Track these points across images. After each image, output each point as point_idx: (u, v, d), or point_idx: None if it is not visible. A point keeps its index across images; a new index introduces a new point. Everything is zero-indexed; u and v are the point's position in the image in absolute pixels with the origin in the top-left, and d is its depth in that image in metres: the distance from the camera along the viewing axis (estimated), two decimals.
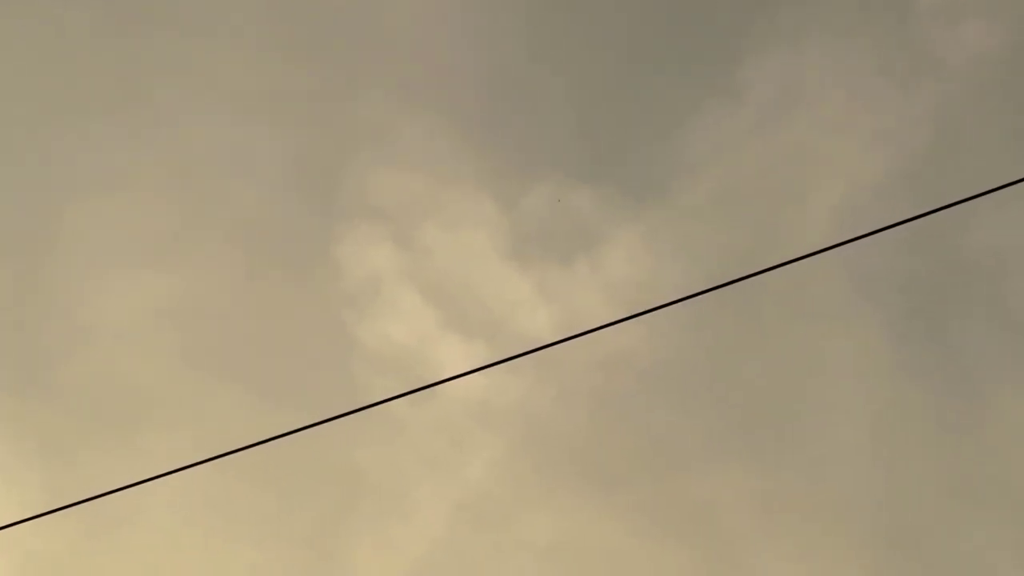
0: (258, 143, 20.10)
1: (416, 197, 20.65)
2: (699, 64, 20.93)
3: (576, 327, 6.38)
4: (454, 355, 19.52)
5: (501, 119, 21.30)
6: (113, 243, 19.65)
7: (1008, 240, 19.73)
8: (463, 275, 20.45)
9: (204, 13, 20.30)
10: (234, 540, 19.40)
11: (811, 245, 5.74)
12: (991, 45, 20.37)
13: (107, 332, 19.27)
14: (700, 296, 5.67)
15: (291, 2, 20.84)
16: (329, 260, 20.51)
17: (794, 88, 19.82)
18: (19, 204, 19.72)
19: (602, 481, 21.92)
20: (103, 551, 20.21)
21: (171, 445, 18.52)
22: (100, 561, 20.77)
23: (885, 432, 20.30)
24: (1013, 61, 20.89)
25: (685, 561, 21.07)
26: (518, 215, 21.16)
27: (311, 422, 5.70)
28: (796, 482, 20.17)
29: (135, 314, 19.65)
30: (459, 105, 20.79)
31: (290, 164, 20.18)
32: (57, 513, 5.79)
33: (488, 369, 6.54)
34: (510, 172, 20.87)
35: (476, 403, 20.51)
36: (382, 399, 6.42)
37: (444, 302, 19.60)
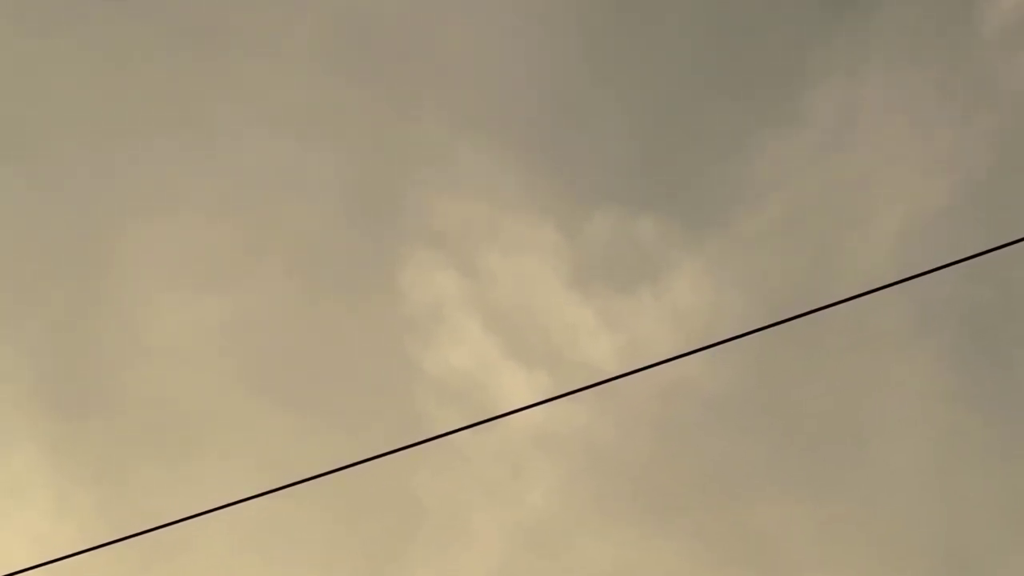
0: (319, 167, 20.07)
1: (478, 223, 20.52)
2: (760, 91, 20.79)
3: (638, 356, 6.40)
4: (516, 384, 19.44)
5: (564, 145, 21.20)
6: (173, 265, 19.58)
7: None
8: (525, 303, 20.36)
9: (265, 37, 20.28)
10: (292, 571, 19.41)
11: (873, 274, 5.72)
12: None
13: (166, 355, 19.24)
14: (762, 332, 5.69)
15: (353, 26, 20.80)
16: (390, 285, 20.42)
17: (854, 115, 19.67)
18: (80, 225, 19.70)
19: (661, 510, 21.81)
20: None
21: (229, 473, 18.51)
22: None
23: (945, 462, 20.20)
24: None
25: None
26: (581, 242, 21.03)
27: (371, 452, 5.69)
28: (855, 511, 20.06)
29: (194, 337, 19.62)
30: (521, 131, 20.68)
31: (351, 188, 20.13)
32: (113, 545, 5.83)
33: (551, 402, 6.61)
34: (573, 199, 20.74)
35: (537, 433, 20.42)
36: (444, 432, 6.44)
37: (506, 330, 19.47)
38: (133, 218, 20.03)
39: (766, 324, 5.65)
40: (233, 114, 21.21)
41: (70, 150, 19.67)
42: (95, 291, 19.57)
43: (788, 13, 21.40)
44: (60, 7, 21.24)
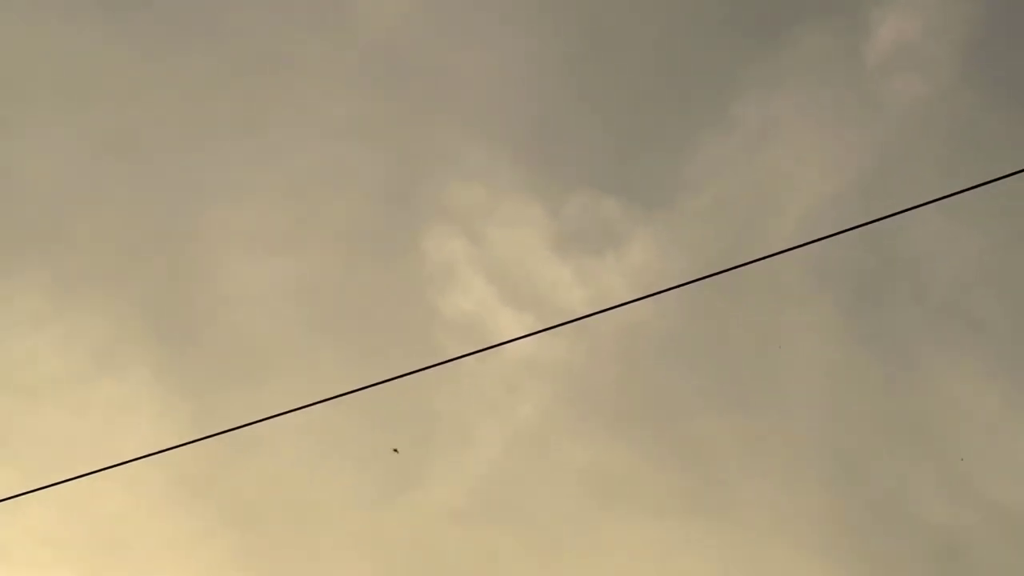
0: (359, 161, 20.49)
1: (480, 202, 20.86)
2: (698, 102, 21.17)
3: (604, 302, 6.42)
4: (510, 323, 19.93)
5: (547, 144, 21.55)
6: (249, 235, 19.98)
7: (934, 245, 19.92)
8: (517, 262, 20.70)
9: (318, 64, 20.56)
10: (339, 462, 19.66)
11: (784, 241, 5.74)
12: (922, 91, 20.56)
13: (244, 301, 19.54)
14: (699, 281, 5.70)
15: (384, 55, 21.09)
16: (413, 249, 20.86)
17: (771, 121, 20.01)
18: (181, 205, 20.11)
19: (622, 421, 22.28)
20: (239, 472, 20.39)
21: (291, 389, 18.95)
22: (237, 480, 20.99)
23: (837, 388, 20.58)
24: (939, 104, 21.12)
25: (687, 482, 21.49)
26: (560, 217, 21.42)
27: (399, 372, 5.85)
28: (769, 424, 20.45)
29: (265, 288, 20.04)
30: (513, 133, 21.06)
31: (383, 177, 20.49)
32: (203, 441, 5.91)
33: (536, 335, 6.68)
34: (553, 184, 21.15)
35: (526, 360, 20.84)
36: (454, 357, 6.50)
37: (502, 282, 19.93)
38: (219, 200, 20.38)
39: (701, 277, 5.67)
40: (293, 121, 21.55)
41: (174, 150, 20.12)
42: (193, 254, 19.87)
43: (721, 42, 21.70)
44: (164, 43, 21.66)
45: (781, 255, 5.65)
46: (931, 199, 5.48)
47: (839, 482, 20.68)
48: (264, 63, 21.68)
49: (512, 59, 22.17)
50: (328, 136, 22.70)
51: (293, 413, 5.92)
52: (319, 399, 5.88)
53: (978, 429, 19.85)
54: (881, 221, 5.53)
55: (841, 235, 5.60)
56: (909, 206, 5.48)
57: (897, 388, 20.62)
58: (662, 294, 5.79)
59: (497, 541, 21.34)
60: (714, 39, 22.21)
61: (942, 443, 19.95)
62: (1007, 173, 5.38)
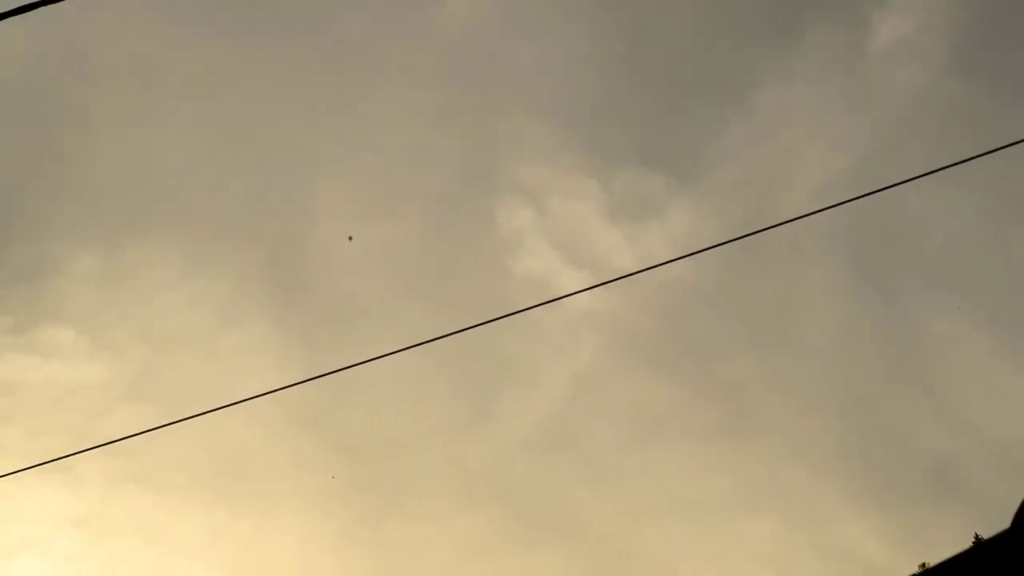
0: (439, 142, 21.01)
1: (544, 179, 21.28)
2: (726, 92, 21.98)
3: (648, 262, 6.63)
4: (570, 280, 20.55)
5: (598, 127, 22.05)
6: (345, 208, 20.58)
7: (927, 211, 20.57)
8: (576, 229, 21.07)
9: (405, 61, 21.16)
10: (426, 399, 20.21)
11: (798, 212, 5.97)
12: (915, 81, 21.15)
13: (343, 264, 20.07)
14: (727, 244, 5.84)
15: (463, 52, 21.64)
16: (489, 219, 21.38)
17: (787, 108, 20.64)
18: (289, 184, 20.93)
19: (664, 362, 22.73)
20: (343, 408, 20.90)
21: (386, 337, 19.64)
22: (341, 414, 21.64)
23: (845, 333, 21.19)
24: (930, 92, 21.66)
25: (718, 413, 22.23)
26: (611, 190, 21.83)
27: (477, 323, 6.03)
28: (788, 364, 21.04)
29: (361, 253, 20.63)
30: (571, 118, 21.55)
31: (460, 156, 20.95)
32: (312, 381, 6.12)
33: (592, 290, 6.87)
34: (605, 162, 21.68)
35: (584, 312, 21.45)
36: (524, 308, 6.72)
37: (563, 246, 20.45)
38: (324, 177, 20.85)
39: (728, 240, 5.84)
40: (385, 109, 21.93)
41: (286, 135, 20.74)
42: (302, 223, 20.42)
43: (743, 40, 22.32)
44: (276, 43, 22.51)
45: (797, 221, 5.75)
46: (924, 172, 5.63)
47: (847, 413, 21.17)
48: (361, 60, 21.98)
49: (568, 56, 22.45)
50: (415, 122, 23.00)
51: (387, 357, 6.03)
52: (409, 345, 5.95)
53: (966, 369, 20.31)
54: (882, 191, 5.64)
55: (848, 203, 5.69)
56: (905, 178, 5.61)
57: (896, 334, 21.12)
58: (697, 254, 5.93)
59: (559, 466, 21.71)
60: (738, 38, 22.56)
61: (935, 381, 20.34)
62: (990, 150, 5.54)
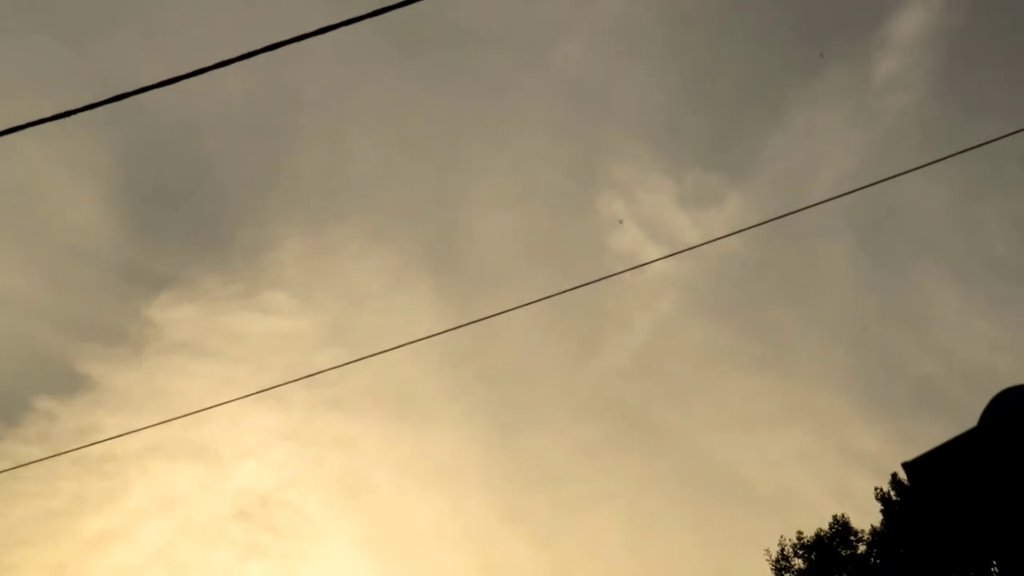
0: (555, 150, 27.87)
1: (635, 178, 26.72)
2: (766, 113, 29.02)
3: (709, 237, 8.63)
4: (652, 252, 25.35)
5: (672, 138, 28.99)
6: (487, 200, 28.02)
7: (916, 199, 26.76)
8: (657, 215, 24.88)
9: (527, 85, 28.71)
10: (547, 341, 24.39)
11: (821, 198, 7.69)
12: (905, 104, 26.84)
13: (486, 243, 27.40)
14: (768, 223, 7.33)
15: (571, 81, 28.92)
16: (591, 208, 26.41)
17: (811, 125, 27.18)
18: (446, 183, 29.40)
19: (723, 313, 27.97)
20: (486, 349, 28.38)
21: (517, 295, 24.09)
22: (485, 354, 26.79)
23: (856, 291, 27.55)
24: (917, 112, 27.39)
25: (763, 350, 27.12)
26: (682, 185, 27.63)
27: (583, 283, 7.27)
28: (810, 315, 27.87)
29: (498, 233, 26.03)
30: (653, 131, 28.31)
31: (569, 160, 27.79)
32: (463, 328, 7.35)
33: (667, 258, 8.61)
34: (677, 164, 28.41)
35: (662, 276, 25.46)
36: (617, 272, 8.48)
37: (647, 228, 25.22)
38: (472, 178, 28.22)
39: (768, 219, 7.27)
40: (517, 128, 29.35)
41: (445, 148, 28.23)
42: (455, 212, 27.94)
43: (776, 77, 28.91)
44: (434, 81, 28.04)
45: (818, 205, 7.30)
46: (911, 168, 7.02)
47: (856, 348, 27.45)
48: (499, 90, 28.42)
49: (649, 85, 28.27)
50: (538, 135, 27.82)
51: (518, 309, 7.35)
52: (534, 300, 7.34)
53: (942, 314, 26.19)
54: (880, 183, 7.13)
55: (855, 192, 7.21)
56: (897, 173, 7.10)
57: (891, 288, 27.02)
58: (745, 231, 7.45)
59: (646, 390, 25.74)
60: (775, 74, 28.96)
61: (920, 323, 26.46)
62: (959, 151, 6.90)
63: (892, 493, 14.91)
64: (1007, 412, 8.93)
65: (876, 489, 15.33)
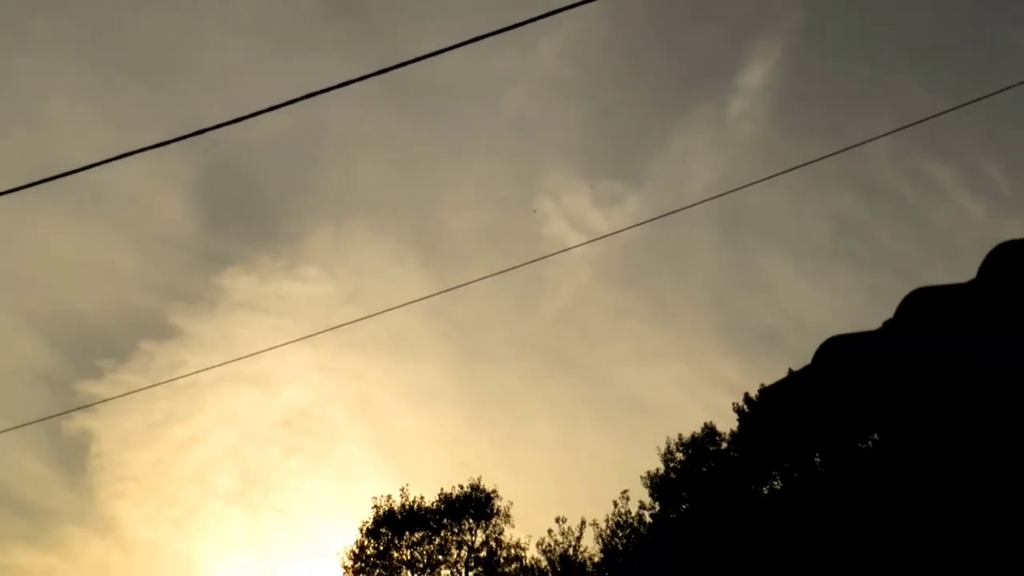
0: (504, 169, 34.90)
1: (561, 185, 34.65)
2: (655, 140, 35.05)
3: (616, 228, 12.12)
4: (574, 239, 33.58)
5: (587, 159, 35.93)
6: (458, 204, 34.89)
7: (754, 203, 32.69)
8: (577, 212, 33.71)
9: (478, 124, 37.75)
10: (499, 300, 34.26)
11: (695, 200, 10.82)
12: (755, 132, 33.74)
13: (456, 232, 34.41)
14: (655, 219, 9.07)
15: (513, 117, 38.24)
16: (531, 205, 35.63)
17: (684, 147, 34.30)
18: (428, 188, 38.08)
19: (623, 284, 33.89)
20: (457, 308, 37.41)
21: (480, 271, 28.73)
22: (457, 311, 36.64)
23: (716, 268, 35.79)
24: (762, 139, 35.44)
25: (653, 307, 32.25)
26: (595, 192, 34.60)
27: (526, 261, 9.56)
28: (685, 284, 35.95)
29: (466, 224, 35.08)
30: (575, 152, 35.22)
31: (512, 178, 35.39)
32: (442, 294, 9.56)
33: (585, 244, 11.82)
34: (591, 177, 34.62)
35: (581, 256, 33.99)
36: (550, 254, 11.51)
37: (570, 221, 32.88)
38: (444, 188, 35.03)
39: (657, 216, 8.66)
40: (475, 152, 36.74)
41: (431, 164, 35.12)
42: (432, 208, 35.14)
43: (662, 111, 38.90)
44: (420, 116, 35.44)
45: (692, 206, 8.73)
46: (759, 179, 8.04)
47: (721, 305, 38.94)
48: (462, 126, 37.79)
49: (571, 116, 36.20)
50: (491, 156, 36.96)
51: (480, 281, 8.75)
52: (491, 273, 8.92)
53: (784, 283, 35.49)
54: (736, 191, 8.29)
55: (717, 198, 8.51)
56: (748, 183, 8.30)
57: (745, 266, 37.13)
58: (641, 224, 11.35)
59: (572, 336, 36.12)
60: (657, 109, 37.46)
61: (768, 289, 36.40)
62: (792, 167, 7.77)
63: (744, 407, 19.55)
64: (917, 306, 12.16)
65: (733, 404, 20.37)
